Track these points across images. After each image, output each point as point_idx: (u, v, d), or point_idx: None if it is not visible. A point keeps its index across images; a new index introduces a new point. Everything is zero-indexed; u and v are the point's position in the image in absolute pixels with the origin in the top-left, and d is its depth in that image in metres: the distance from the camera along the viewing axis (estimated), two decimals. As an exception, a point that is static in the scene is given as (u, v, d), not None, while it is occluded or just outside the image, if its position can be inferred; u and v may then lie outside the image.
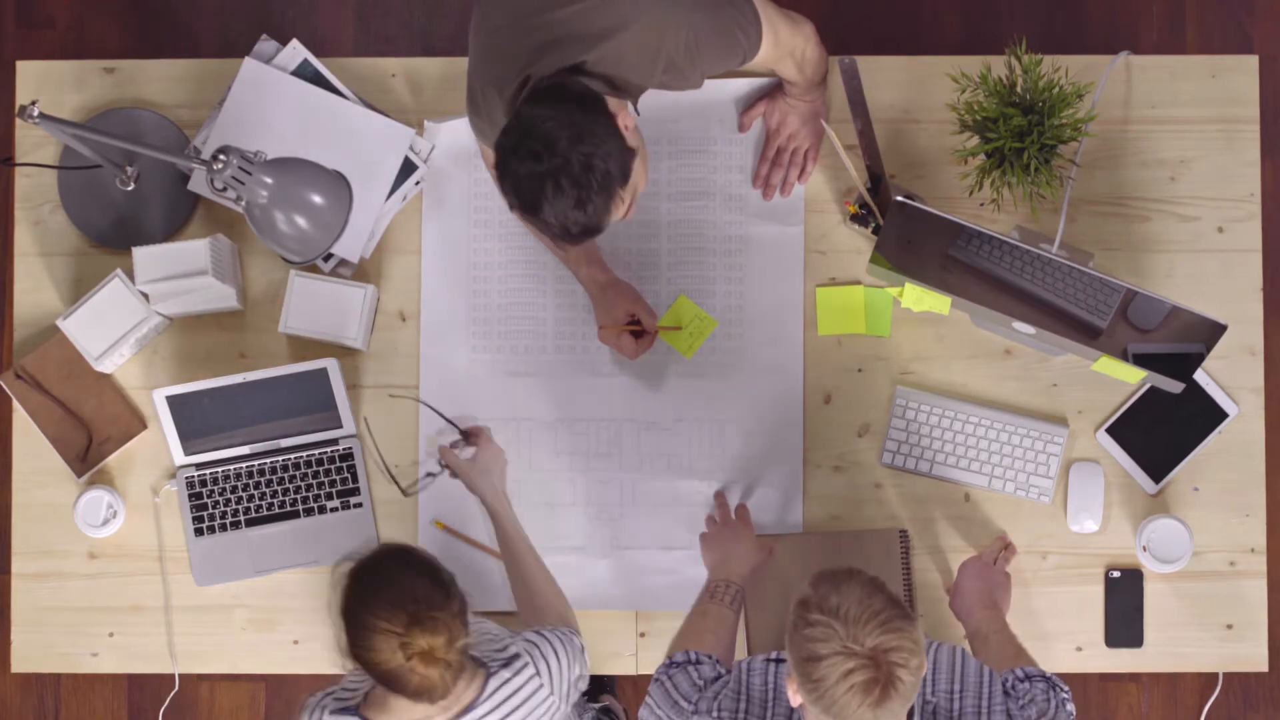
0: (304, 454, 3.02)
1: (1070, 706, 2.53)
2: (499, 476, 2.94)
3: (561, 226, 2.51)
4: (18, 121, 3.09)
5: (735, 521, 2.94)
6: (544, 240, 3.04)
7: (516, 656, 2.57)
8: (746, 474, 3.01)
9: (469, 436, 2.98)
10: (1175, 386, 2.80)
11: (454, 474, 2.94)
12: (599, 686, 3.45)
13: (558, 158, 2.46)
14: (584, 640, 2.70)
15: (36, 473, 3.05)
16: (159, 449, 3.05)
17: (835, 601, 2.24)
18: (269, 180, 2.65)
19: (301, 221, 2.68)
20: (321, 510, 3.02)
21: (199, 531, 3.02)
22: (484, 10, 2.65)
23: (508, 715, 2.55)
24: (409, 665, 2.37)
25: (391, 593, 2.38)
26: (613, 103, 2.56)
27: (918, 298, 2.86)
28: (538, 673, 2.58)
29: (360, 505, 3.02)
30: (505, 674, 2.55)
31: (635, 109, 2.67)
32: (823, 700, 2.24)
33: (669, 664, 2.63)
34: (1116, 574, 3.00)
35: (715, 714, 2.47)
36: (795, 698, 2.29)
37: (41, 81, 3.09)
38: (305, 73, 3.06)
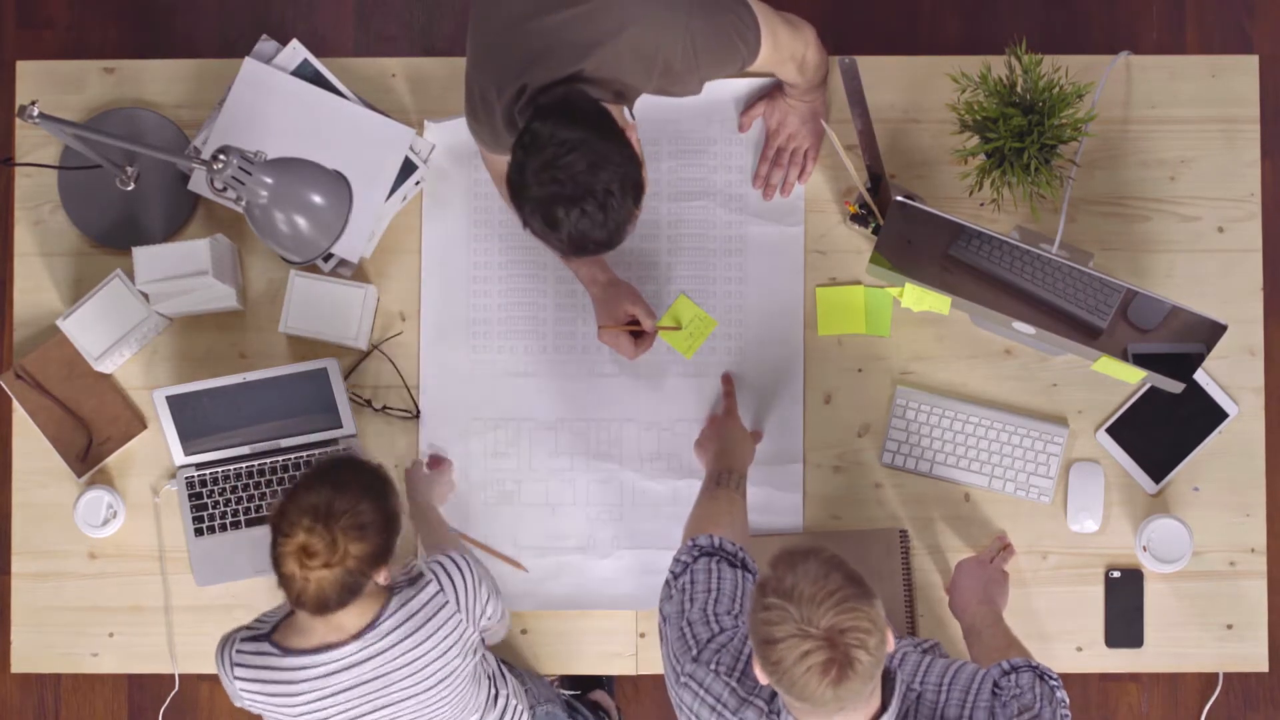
0: (304, 454, 3.02)
1: (1061, 694, 2.52)
2: (437, 496, 2.98)
3: (577, 246, 2.53)
4: (18, 121, 3.09)
5: (728, 419, 2.95)
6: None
7: (420, 575, 2.61)
8: (747, 474, 3.01)
9: (437, 462, 3.01)
10: (1175, 386, 2.80)
11: (410, 479, 2.97)
12: (593, 683, 3.46)
13: (582, 187, 2.47)
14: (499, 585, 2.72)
15: (36, 473, 3.05)
16: (159, 449, 3.05)
17: (790, 582, 2.24)
18: (269, 180, 2.65)
19: (301, 221, 2.68)
20: (321, 510, 3.02)
21: (199, 531, 3.02)
22: (480, 14, 2.65)
23: (413, 631, 2.58)
24: (285, 554, 2.43)
25: (324, 490, 2.44)
26: (620, 118, 2.57)
27: (918, 298, 2.86)
28: (442, 589, 2.61)
29: (360, 505, 3.02)
30: (409, 591, 2.60)
31: (630, 113, 2.67)
32: (783, 681, 2.25)
33: (693, 545, 2.61)
34: (1116, 574, 3.00)
35: (713, 667, 2.48)
36: (762, 677, 2.30)
37: (41, 81, 3.09)
38: (305, 73, 3.06)
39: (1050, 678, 2.54)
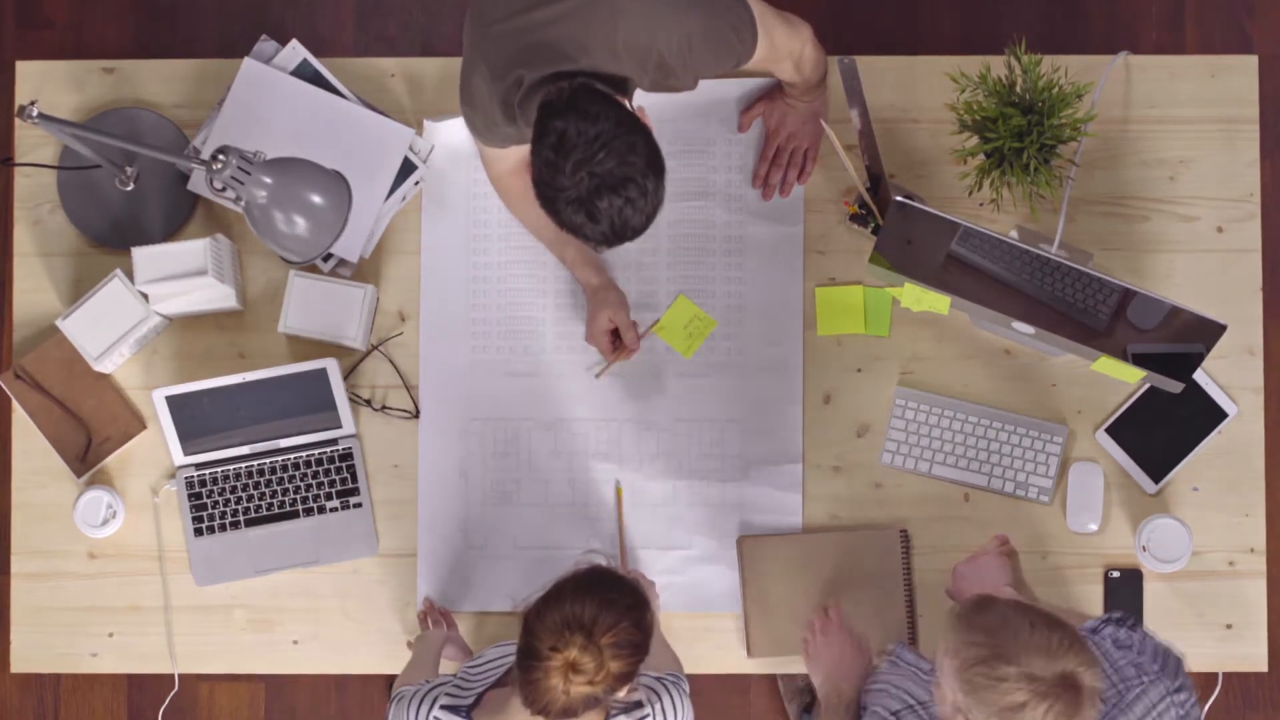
0: (304, 454, 3.02)
1: (1142, 628, 2.58)
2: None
3: (618, 234, 2.54)
4: (17, 121, 3.09)
5: (833, 628, 2.91)
6: (543, 239, 3.04)
7: (639, 705, 2.54)
8: (747, 474, 3.01)
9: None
10: (1175, 386, 2.80)
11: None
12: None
13: (620, 177, 2.48)
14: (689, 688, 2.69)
15: (36, 473, 3.05)
16: (159, 449, 3.05)
17: (1010, 649, 2.29)
18: (268, 180, 2.65)
19: (301, 221, 2.68)
20: (321, 510, 3.02)
21: (199, 531, 3.02)
22: (478, 4, 2.65)
23: None
24: (553, 668, 2.35)
25: (590, 604, 2.37)
26: (639, 111, 2.58)
27: (917, 298, 2.86)
28: None
29: (360, 505, 3.02)
30: (625, 718, 2.53)
31: (630, 103, 2.67)
32: None
33: None
34: (1116, 574, 3.00)
35: None
36: None
37: (41, 81, 3.09)
38: (305, 73, 3.06)
39: (1120, 619, 2.58)
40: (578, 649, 2.34)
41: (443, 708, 2.52)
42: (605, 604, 2.37)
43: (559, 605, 2.37)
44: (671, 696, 2.57)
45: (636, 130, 2.50)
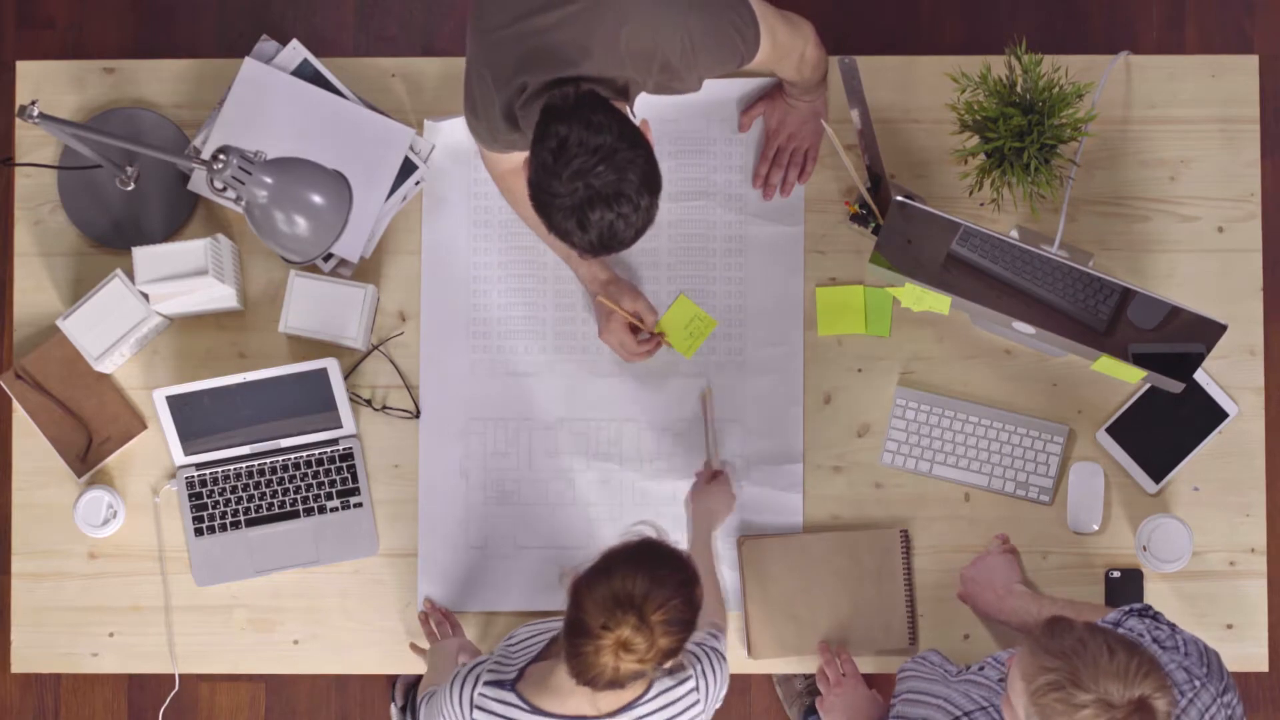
0: (304, 454, 3.02)
1: (1162, 616, 2.58)
2: (717, 517, 2.95)
3: (604, 245, 2.53)
4: (18, 121, 3.09)
5: (848, 680, 2.92)
6: (545, 238, 3.04)
7: (682, 667, 2.54)
8: (747, 474, 3.01)
9: (711, 472, 3.00)
10: (1175, 386, 2.80)
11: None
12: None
13: (614, 190, 2.47)
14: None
15: (36, 473, 3.05)
16: (159, 449, 3.05)
17: (1086, 675, 2.28)
18: (269, 180, 2.65)
19: (301, 221, 2.68)
20: (321, 510, 3.02)
21: (199, 531, 3.02)
22: (479, 11, 2.65)
23: None
24: (604, 645, 2.34)
25: (641, 580, 2.35)
26: (639, 121, 2.58)
27: (918, 298, 2.86)
28: (697, 687, 2.57)
29: (360, 505, 3.02)
30: (668, 681, 2.54)
31: (632, 110, 2.67)
32: None
33: None
34: (1116, 574, 3.00)
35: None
36: None
37: (41, 81, 3.09)
38: (305, 73, 3.06)
39: (1142, 610, 2.58)
40: (630, 629, 2.34)
41: (486, 684, 2.52)
42: (657, 580, 2.36)
43: (608, 579, 2.36)
44: (711, 662, 2.59)
45: (638, 146, 2.49)
